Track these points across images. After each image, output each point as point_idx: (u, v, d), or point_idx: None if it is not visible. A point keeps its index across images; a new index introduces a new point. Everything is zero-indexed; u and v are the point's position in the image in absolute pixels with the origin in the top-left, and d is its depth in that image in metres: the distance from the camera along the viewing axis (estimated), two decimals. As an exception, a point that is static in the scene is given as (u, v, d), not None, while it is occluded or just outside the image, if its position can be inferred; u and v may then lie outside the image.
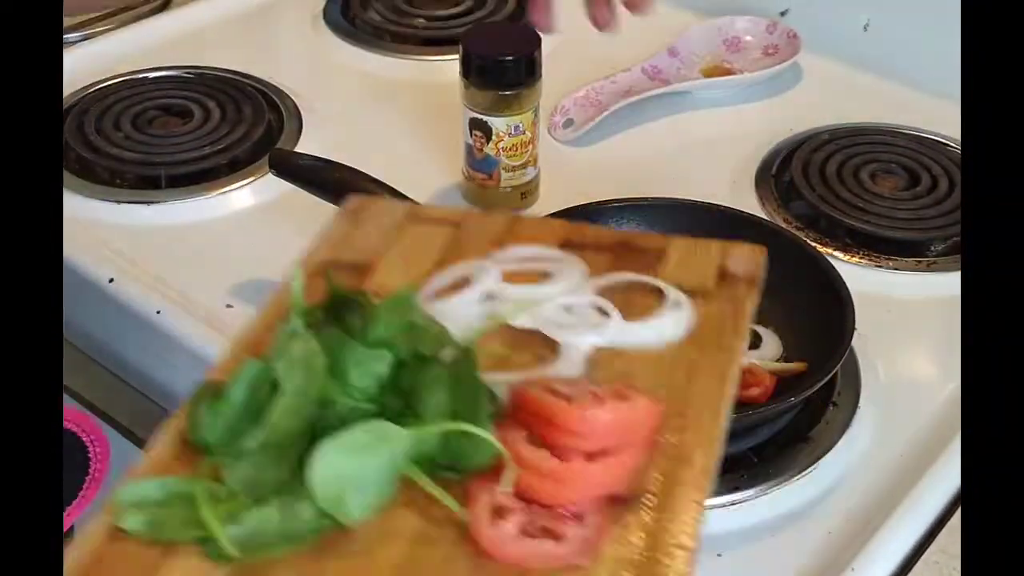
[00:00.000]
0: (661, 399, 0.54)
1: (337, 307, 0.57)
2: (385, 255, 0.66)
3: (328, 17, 1.24)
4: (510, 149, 0.94)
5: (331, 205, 0.84)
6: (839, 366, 0.76)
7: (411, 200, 0.83)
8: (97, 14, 1.23)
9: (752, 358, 0.79)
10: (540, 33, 0.90)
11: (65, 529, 0.71)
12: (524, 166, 0.96)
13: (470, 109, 0.93)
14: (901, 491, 0.73)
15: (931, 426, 0.79)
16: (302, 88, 1.12)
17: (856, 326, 0.77)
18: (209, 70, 1.14)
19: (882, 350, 0.83)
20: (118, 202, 0.97)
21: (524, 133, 0.94)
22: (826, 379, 0.75)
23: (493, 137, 0.93)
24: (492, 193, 0.96)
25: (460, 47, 0.92)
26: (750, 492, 0.73)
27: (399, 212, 0.70)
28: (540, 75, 0.93)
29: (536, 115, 0.94)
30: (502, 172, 0.95)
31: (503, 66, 0.91)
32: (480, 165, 0.95)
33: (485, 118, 0.93)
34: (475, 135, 0.94)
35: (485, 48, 0.92)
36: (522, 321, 0.60)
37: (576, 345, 0.59)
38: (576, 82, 1.09)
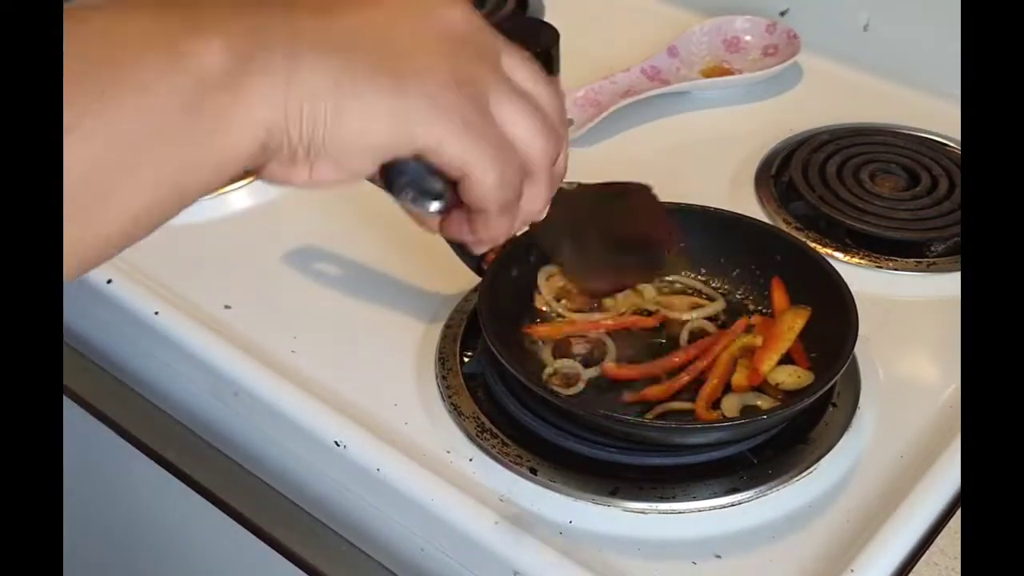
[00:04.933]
0: None
1: None
2: None
3: (327, 17, 1.24)
4: None
5: (331, 205, 0.84)
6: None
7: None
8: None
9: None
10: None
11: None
12: None
13: None
14: (901, 492, 0.73)
15: (931, 427, 0.79)
16: (301, 88, 1.11)
17: (856, 327, 0.77)
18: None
19: (882, 351, 0.83)
20: (117, 203, 0.97)
21: None
22: (828, 385, 0.74)
23: None
24: None
25: None
26: (749, 493, 0.72)
27: None
28: (557, 71, 0.92)
29: None
30: None
31: None
32: None
33: None
34: None
35: None
36: None
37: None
38: (575, 82, 1.09)
